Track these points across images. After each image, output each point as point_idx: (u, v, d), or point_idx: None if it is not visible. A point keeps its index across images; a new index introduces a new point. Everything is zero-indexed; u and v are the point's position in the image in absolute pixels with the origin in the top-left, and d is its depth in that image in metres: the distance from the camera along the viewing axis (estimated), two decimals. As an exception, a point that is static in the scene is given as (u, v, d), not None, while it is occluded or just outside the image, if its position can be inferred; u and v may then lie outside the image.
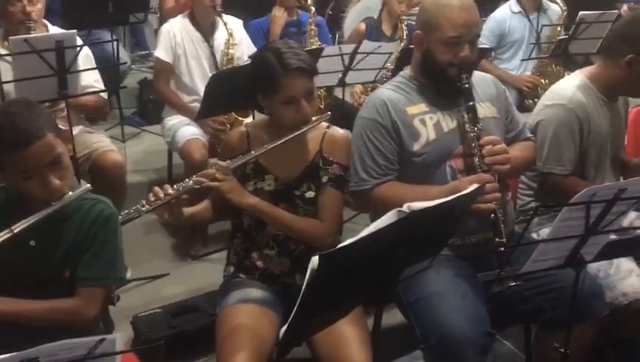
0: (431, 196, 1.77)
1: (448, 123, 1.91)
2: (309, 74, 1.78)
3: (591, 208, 1.31)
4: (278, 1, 3.52)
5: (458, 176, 1.88)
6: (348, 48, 2.85)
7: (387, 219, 1.20)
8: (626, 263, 1.95)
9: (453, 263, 1.84)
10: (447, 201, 1.26)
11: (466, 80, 1.85)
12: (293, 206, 1.86)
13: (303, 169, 1.87)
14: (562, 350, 1.57)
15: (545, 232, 2.16)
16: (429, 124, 1.89)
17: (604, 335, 2.00)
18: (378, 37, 3.55)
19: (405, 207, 1.21)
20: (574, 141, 2.11)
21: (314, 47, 3.25)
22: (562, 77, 3.72)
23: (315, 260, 1.11)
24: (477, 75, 1.99)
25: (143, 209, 1.71)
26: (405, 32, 3.52)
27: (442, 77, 1.88)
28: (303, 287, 1.16)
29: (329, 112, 1.81)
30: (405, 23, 3.55)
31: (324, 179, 1.86)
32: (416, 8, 4.14)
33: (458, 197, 1.30)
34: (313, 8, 3.40)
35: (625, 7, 4.97)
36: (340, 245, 1.17)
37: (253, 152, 1.82)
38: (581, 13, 3.28)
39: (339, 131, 1.93)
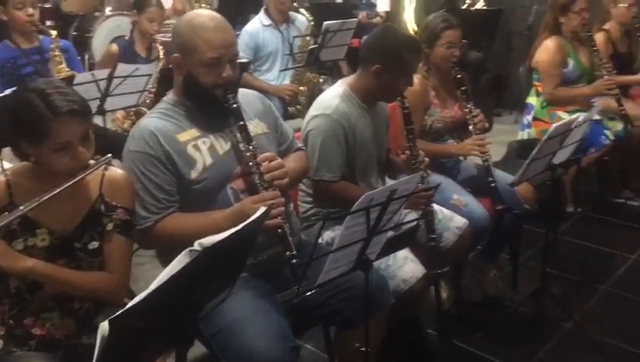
0: (216, 223, 1.75)
1: (222, 145, 1.87)
2: (82, 115, 1.56)
3: (370, 212, 1.39)
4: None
5: (241, 197, 1.86)
6: (102, 73, 2.67)
7: (179, 262, 1.12)
8: (400, 252, 2.11)
9: (250, 284, 1.81)
10: (237, 230, 1.23)
11: (233, 100, 1.83)
12: (74, 260, 1.64)
13: (82, 218, 1.65)
14: (363, 349, 1.64)
15: (329, 235, 2.27)
16: (203, 149, 1.84)
17: (395, 320, 2.16)
18: (133, 58, 3.38)
19: (197, 245, 1.14)
20: (341, 148, 2.24)
21: (62, 74, 2.97)
22: (317, 83, 3.98)
23: (104, 327, 0.99)
24: (241, 92, 1.98)
25: None
26: (162, 52, 3.41)
27: (209, 99, 1.83)
28: (95, 358, 1.03)
29: (110, 154, 1.62)
30: (159, 41, 3.44)
31: (109, 226, 1.67)
32: (170, 25, 4.07)
33: (248, 223, 1.27)
34: (54, 32, 3.09)
35: (363, 14, 5.49)
36: (130, 303, 1.05)
37: (21, 208, 1.51)
38: (325, 23, 3.52)
39: (118, 172, 1.74)
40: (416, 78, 2.77)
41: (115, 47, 3.47)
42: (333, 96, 2.30)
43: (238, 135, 1.85)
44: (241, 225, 1.27)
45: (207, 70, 1.79)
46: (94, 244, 1.66)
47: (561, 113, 3.68)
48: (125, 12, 5.43)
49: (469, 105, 2.71)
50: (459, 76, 2.72)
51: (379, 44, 2.29)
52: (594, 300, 2.95)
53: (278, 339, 1.65)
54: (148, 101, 3.12)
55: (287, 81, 3.87)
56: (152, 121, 1.85)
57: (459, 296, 2.82)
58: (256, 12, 4.03)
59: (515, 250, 3.07)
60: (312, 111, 2.31)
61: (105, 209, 1.68)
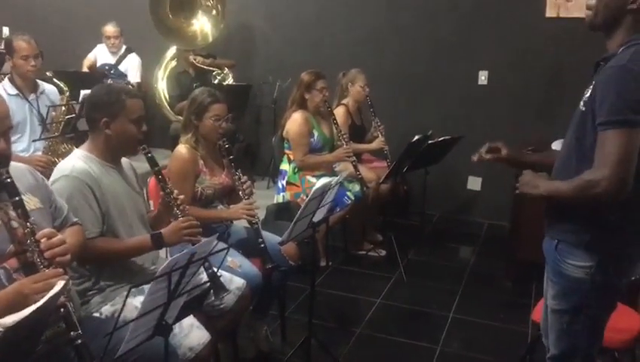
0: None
1: (-8, 222, 1.75)
2: None
3: (172, 276, 1.46)
4: None
5: (14, 276, 1.74)
6: None
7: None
8: (185, 320, 2.11)
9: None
10: (38, 308, 1.19)
11: (6, 174, 1.74)
12: None
13: None
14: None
15: (107, 309, 2.22)
16: (-30, 227, 1.70)
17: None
18: None
19: (-3, 327, 1.08)
20: (89, 204, 2.19)
21: None
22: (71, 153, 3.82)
23: None
24: (12, 166, 1.88)
25: None
26: None
27: None
28: None
29: None
30: None
31: None
32: None
33: (47, 300, 1.23)
34: None
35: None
36: None
37: None
38: (84, 92, 3.46)
39: None
40: (186, 148, 2.92)
41: None
42: (70, 160, 2.29)
43: (12, 212, 1.75)
44: (42, 301, 1.23)
45: None
46: None
47: (309, 177, 4.13)
48: None
49: (237, 173, 2.91)
50: (227, 146, 2.92)
51: (99, 99, 2.32)
52: (353, 342, 3.31)
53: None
54: None
55: (39, 152, 3.65)
56: None
57: (235, 355, 2.93)
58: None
59: (283, 305, 3.32)
60: (52, 177, 2.24)
61: None
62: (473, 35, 5.32)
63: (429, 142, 4.08)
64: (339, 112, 4.46)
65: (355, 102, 4.70)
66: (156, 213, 2.50)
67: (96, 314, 2.20)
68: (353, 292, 3.94)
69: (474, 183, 5.53)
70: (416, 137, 4.06)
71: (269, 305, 3.15)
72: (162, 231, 2.29)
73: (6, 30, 6.51)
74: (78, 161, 2.26)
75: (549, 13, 5.04)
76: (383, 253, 4.54)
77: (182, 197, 2.38)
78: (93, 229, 2.20)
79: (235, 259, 2.74)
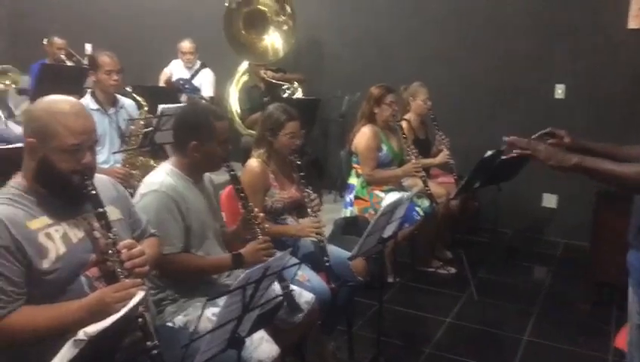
0: (72, 314, 1.68)
1: (76, 233, 1.82)
2: None
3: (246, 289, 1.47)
4: None
5: (95, 285, 1.80)
6: None
7: (66, 354, 1.09)
8: (256, 333, 2.11)
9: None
10: (120, 317, 1.22)
11: (91, 186, 1.81)
12: None
13: None
14: None
15: (180, 320, 2.26)
16: (55, 237, 1.76)
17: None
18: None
19: (82, 334, 1.12)
20: (176, 219, 2.27)
21: None
22: (149, 166, 3.96)
23: None
24: (95, 178, 1.96)
25: None
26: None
27: (64, 185, 1.79)
28: None
29: None
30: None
31: None
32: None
33: (128, 310, 1.27)
34: None
35: (186, 98, 5.62)
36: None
37: None
38: (161, 106, 3.58)
39: None
40: (257, 162, 2.96)
41: None
42: (158, 174, 2.37)
43: (96, 222, 1.81)
44: (124, 310, 1.26)
45: (66, 156, 1.77)
46: None
47: (378, 192, 4.10)
48: None
49: (307, 190, 2.93)
50: (298, 163, 2.94)
51: (188, 121, 2.40)
52: (421, 362, 3.25)
53: None
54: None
55: (118, 165, 3.80)
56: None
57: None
58: (75, 93, 3.95)
59: (350, 321, 3.28)
60: (141, 191, 2.33)
61: None
62: (549, 47, 5.16)
63: (502, 157, 3.96)
64: (402, 127, 4.41)
65: (418, 116, 4.64)
66: (235, 230, 2.55)
67: (170, 324, 2.25)
68: (421, 310, 3.86)
69: (549, 200, 5.34)
70: (489, 153, 3.95)
71: (336, 320, 3.13)
72: (242, 251, 2.34)
73: (88, 47, 6.84)
74: (166, 176, 2.33)
75: (632, 24, 4.82)
76: (453, 270, 4.43)
77: (262, 215, 2.42)
78: (178, 244, 2.26)
79: (304, 273, 2.74)
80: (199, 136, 2.33)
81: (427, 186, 4.09)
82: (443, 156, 4.45)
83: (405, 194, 2.77)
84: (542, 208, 5.37)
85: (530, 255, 4.96)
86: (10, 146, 2.88)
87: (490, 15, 5.35)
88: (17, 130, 4.61)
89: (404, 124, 4.47)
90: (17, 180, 1.84)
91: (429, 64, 5.51)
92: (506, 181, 4.25)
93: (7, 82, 5.20)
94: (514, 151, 2.04)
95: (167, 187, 2.28)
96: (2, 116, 4.91)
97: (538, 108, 5.22)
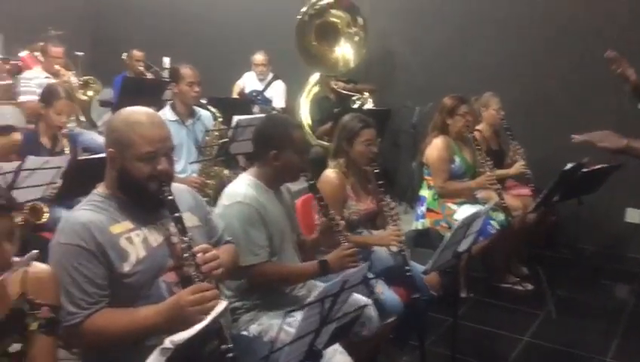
0: (150, 318, 1.72)
1: (156, 237, 1.87)
2: (8, 211, 1.49)
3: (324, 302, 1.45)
4: None
5: (174, 290, 1.84)
6: (9, 166, 2.55)
7: None
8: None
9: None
10: (206, 325, 1.23)
11: (168, 192, 1.85)
12: None
13: (3, 319, 1.55)
14: None
15: (255, 329, 2.27)
16: (136, 241, 1.82)
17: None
18: (37, 149, 3.27)
19: (168, 343, 1.14)
20: (260, 229, 2.30)
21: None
22: (222, 176, 4.04)
23: None
24: (174, 186, 2.00)
25: None
26: (68, 144, 3.33)
27: (143, 192, 1.84)
28: None
29: (36, 250, 1.54)
30: (67, 134, 3.37)
31: (33, 326, 1.57)
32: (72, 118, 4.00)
33: (214, 318, 1.27)
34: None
35: (257, 108, 5.72)
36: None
37: None
38: (236, 118, 3.64)
39: (42, 267, 1.65)
40: (335, 173, 2.95)
41: (18, 135, 3.33)
42: (240, 185, 2.40)
43: (172, 227, 1.85)
44: (208, 319, 1.27)
45: (143, 164, 1.82)
46: (16, 347, 1.55)
47: (450, 204, 4.00)
48: (11, 101, 5.29)
49: (385, 199, 2.89)
50: (376, 171, 2.91)
51: (268, 133, 2.44)
52: (497, 381, 3.13)
53: None
54: (51, 194, 2.99)
55: (195, 174, 3.89)
56: (84, 213, 1.81)
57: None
58: (154, 105, 4.09)
59: (423, 336, 3.20)
60: (224, 202, 2.37)
61: (28, 308, 1.59)
62: (635, 55, 4.90)
63: (583, 170, 3.78)
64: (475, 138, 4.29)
65: (490, 127, 4.51)
66: (314, 239, 2.56)
67: (245, 333, 2.26)
68: (496, 326, 3.72)
69: (633, 215, 5.06)
70: (569, 165, 3.78)
71: (409, 335, 3.07)
72: (327, 258, 2.34)
73: (166, 60, 7.08)
74: (247, 187, 2.37)
75: None
76: (529, 286, 4.26)
77: (343, 223, 2.41)
78: (263, 254, 2.29)
79: (378, 286, 2.70)
80: (278, 145, 2.36)
81: (502, 199, 3.96)
82: (518, 167, 4.30)
83: (482, 208, 2.68)
84: (625, 223, 5.09)
85: (612, 272, 4.71)
86: (94, 156, 3.02)
87: (567, 21, 5.15)
88: (100, 140, 4.82)
89: (476, 134, 4.36)
90: (101, 188, 1.91)
91: (502, 73, 5.35)
92: (587, 194, 4.06)
93: (90, 93, 5.45)
94: (572, 136, 2.31)
95: (250, 198, 2.31)
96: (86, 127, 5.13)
97: (622, 118, 4.96)
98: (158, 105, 4.21)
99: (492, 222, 3.94)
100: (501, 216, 4.00)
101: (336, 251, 2.35)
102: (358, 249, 2.52)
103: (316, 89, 6.11)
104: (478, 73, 5.48)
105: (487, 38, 5.55)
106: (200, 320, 1.62)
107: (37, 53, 5.55)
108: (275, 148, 2.37)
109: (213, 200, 3.43)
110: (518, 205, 4.17)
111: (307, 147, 2.49)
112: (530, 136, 4.75)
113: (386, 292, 2.70)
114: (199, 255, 1.81)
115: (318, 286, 2.43)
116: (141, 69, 6.31)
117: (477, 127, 4.45)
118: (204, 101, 4.05)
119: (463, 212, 3.83)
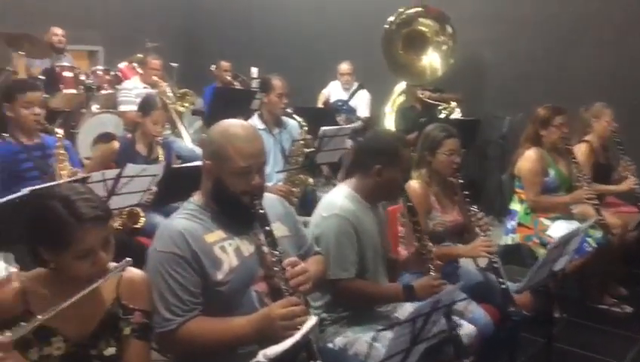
0: (241, 328, 1.74)
1: (248, 247, 1.90)
2: (105, 220, 1.54)
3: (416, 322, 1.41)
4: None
5: (265, 300, 1.85)
6: (111, 173, 2.68)
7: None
8: None
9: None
10: (297, 340, 1.23)
11: (259, 206, 1.87)
12: None
13: (98, 323, 1.60)
14: None
15: (340, 341, 2.25)
16: (229, 250, 1.85)
17: None
18: (133, 156, 3.43)
19: (261, 356, 1.14)
20: (353, 245, 2.28)
21: (65, 172, 2.98)
22: (307, 184, 4.07)
23: None
24: (264, 196, 2.03)
25: None
26: (162, 152, 3.47)
27: (236, 205, 1.87)
28: None
29: (130, 258, 1.60)
30: (161, 142, 3.51)
31: (127, 331, 1.63)
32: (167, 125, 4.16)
33: (305, 333, 1.27)
34: (60, 131, 3.13)
35: (343, 118, 5.73)
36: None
37: (39, 316, 1.43)
38: (322, 128, 3.66)
39: (136, 273, 1.71)
40: (418, 183, 2.89)
41: (116, 144, 3.51)
42: (338, 197, 2.39)
43: (263, 239, 1.87)
44: (298, 335, 1.27)
45: (237, 178, 1.85)
46: (111, 350, 1.61)
47: (544, 220, 3.82)
48: (112, 110, 5.58)
49: (473, 209, 2.80)
50: (461, 181, 2.83)
51: (377, 147, 2.40)
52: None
53: None
54: (148, 201, 3.12)
55: (281, 182, 3.94)
56: (180, 221, 1.86)
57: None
58: (243, 114, 4.19)
59: (514, 357, 3.06)
60: (321, 213, 2.36)
61: (122, 312, 1.65)
62: None
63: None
64: (581, 150, 4.07)
65: (599, 139, 4.26)
66: (404, 261, 2.52)
67: (330, 345, 2.25)
68: (592, 350, 3.51)
69: None
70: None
71: (498, 356, 2.94)
72: (415, 285, 2.27)
73: (254, 70, 7.25)
74: (345, 200, 2.36)
75: None
76: (629, 309, 3.99)
77: (434, 250, 2.36)
78: (352, 270, 2.27)
79: (465, 303, 2.61)
80: (385, 161, 2.34)
81: (601, 215, 3.74)
82: (628, 184, 4.05)
83: (580, 226, 2.54)
84: None
85: None
86: (188, 165, 3.12)
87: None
88: (190, 145, 4.98)
89: (584, 146, 4.14)
90: (197, 197, 1.96)
91: (601, 83, 5.07)
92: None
93: (187, 104, 5.69)
94: None
95: (347, 212, 2.30)
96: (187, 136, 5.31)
97: None
98: (247, 115, 4.30)
99: (588, 239, 3.72)
100: (598, 234, 3.78)
101: (425, 279, 2.27)
102: (444, 265, 2.46)
103: (401, 98, 6.05)
104: (576, 82, 5.22)
105: (586, 45, 5.28)
106: (288, 335, 1.61)
107: (135, 65, 5.84)
108: (380, 163, 2.34)
109: (297, 207, 3.47)
110: (619, 223, 3.92)
111: (411, 167, 2.44)
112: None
113: (476, 311, 2.60)
114: (288, 268, 1.81)
115: (403, 304, 2.39)
116: (229, 78, 6.50)
117: (586, 138, 4.24)
118: (290, 110, 4.10)
119: (556, 228, 3.65)
